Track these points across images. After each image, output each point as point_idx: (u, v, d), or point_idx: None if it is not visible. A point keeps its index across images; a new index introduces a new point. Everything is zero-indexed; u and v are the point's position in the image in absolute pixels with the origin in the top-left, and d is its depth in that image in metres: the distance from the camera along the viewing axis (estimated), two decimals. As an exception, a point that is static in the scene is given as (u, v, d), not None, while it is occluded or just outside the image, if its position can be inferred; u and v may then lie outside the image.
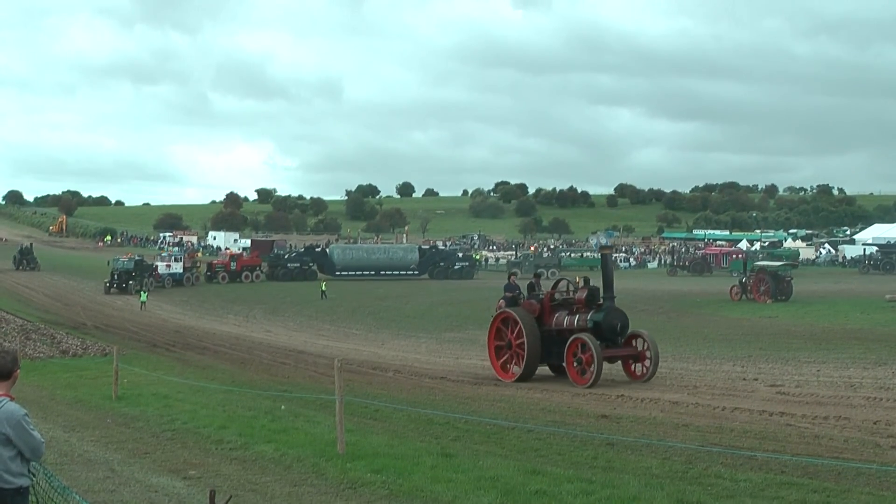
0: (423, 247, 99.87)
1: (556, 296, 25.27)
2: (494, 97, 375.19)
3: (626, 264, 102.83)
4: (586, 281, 25.52)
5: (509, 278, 27.68)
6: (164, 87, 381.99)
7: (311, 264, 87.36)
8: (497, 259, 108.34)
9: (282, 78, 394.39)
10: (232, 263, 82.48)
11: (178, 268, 75.80)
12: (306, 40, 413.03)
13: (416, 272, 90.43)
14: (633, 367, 24.04)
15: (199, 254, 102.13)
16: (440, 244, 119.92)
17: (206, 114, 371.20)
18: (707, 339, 35.85)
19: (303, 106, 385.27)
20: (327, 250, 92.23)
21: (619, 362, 24.29)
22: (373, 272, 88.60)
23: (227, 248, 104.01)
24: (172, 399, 19.78)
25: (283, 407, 18.40)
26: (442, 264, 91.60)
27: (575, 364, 23.24)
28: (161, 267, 74.35)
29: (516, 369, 24.87)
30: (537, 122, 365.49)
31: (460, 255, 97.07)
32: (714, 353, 30.33)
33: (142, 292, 60.65)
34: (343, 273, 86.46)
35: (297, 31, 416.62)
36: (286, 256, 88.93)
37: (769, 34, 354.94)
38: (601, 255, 27.19)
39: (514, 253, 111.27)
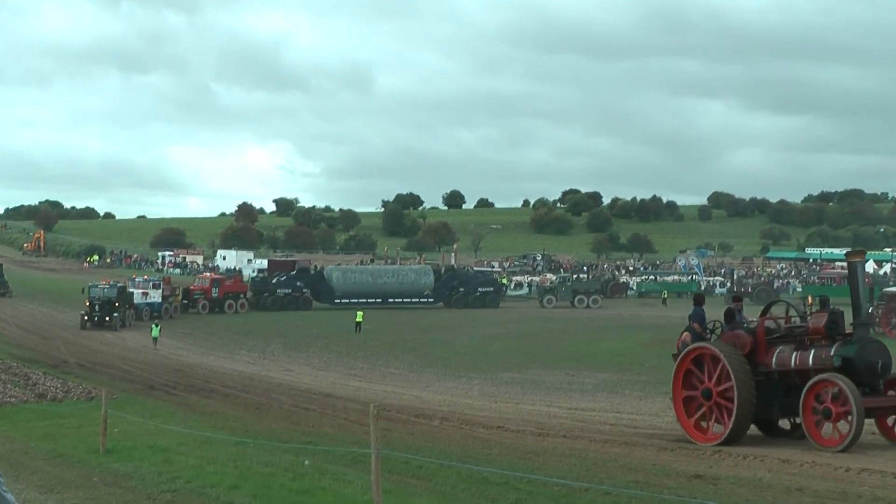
0: (439, 268, 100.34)
1: (774, 324, 22.86)
2: (555, 88, 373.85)
3: (723, 290, 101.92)
4: (823, 303, 22.92)
5: (697, 303, 24.74)
6: (159, 76, 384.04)
7: (304, 290, 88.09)
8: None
9: (299, 66, 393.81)
10: (213, 289, 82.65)
11: (156, 296, 75.25)
12: (328, 21, 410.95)
13: (430, 299, 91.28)
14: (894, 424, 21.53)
15: (210, 273, 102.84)
16: (495, 265, 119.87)
17: (210, 109, 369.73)
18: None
19: (325, 100, 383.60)
20: (325, 273, 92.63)
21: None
22: (379, 299, 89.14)
23: (204, 271, 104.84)
24: (173, 453, 19.84)
25: (306, 462, 18.41)
26: (461, 290, 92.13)
27: (817, 418, 20.88)
28: (137, 295, 73.50)
29: (718, 427, 22.21)
30: (608, 118, 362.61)
31: (482, 278, 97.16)
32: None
33: (153, 326, 59.94)
34: (344, 301, 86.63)
35: (316, 9, 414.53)
36: (274, 281, 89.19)
37: (892, 8, 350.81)
38: (848, 264, 23.13)
39: (573, 274, 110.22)
